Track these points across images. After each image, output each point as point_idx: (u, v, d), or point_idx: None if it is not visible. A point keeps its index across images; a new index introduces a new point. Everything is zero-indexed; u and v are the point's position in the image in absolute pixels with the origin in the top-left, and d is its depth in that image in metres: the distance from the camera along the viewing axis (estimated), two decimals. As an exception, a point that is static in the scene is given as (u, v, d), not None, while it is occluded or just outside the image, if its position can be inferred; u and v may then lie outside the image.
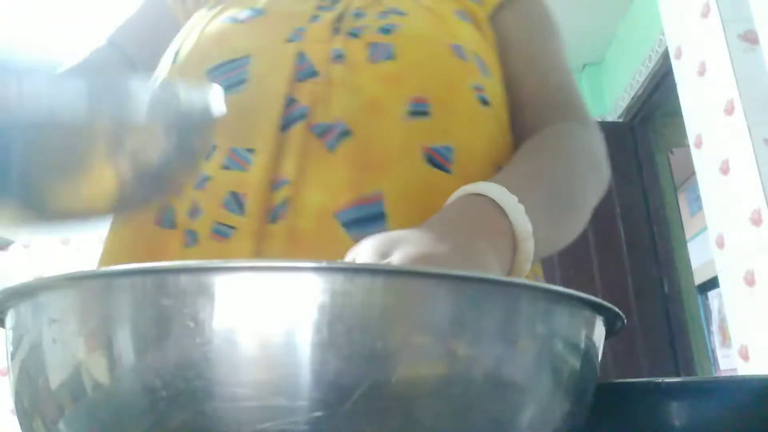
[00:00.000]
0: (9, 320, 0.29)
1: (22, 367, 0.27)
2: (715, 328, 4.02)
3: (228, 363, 0.23)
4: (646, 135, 2.90)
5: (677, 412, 0.37)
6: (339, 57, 0.54)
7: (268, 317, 0.23)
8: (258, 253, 0.49)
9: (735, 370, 1.88)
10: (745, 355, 1.75)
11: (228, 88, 0.54)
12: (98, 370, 0.24)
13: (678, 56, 2.07)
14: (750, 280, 1.70)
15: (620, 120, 2.99)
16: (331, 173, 0.50)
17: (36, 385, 0.26)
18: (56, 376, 0.25)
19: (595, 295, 0.28)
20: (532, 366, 0.26)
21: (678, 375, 2.52)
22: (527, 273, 0.43)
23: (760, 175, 1.63)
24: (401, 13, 0.59)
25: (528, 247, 0.42)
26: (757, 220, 1.66)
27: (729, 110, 1.76)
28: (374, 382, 0.23)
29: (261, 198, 0.49)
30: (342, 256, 0.44)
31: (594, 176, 0.59)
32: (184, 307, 0.23)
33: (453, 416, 0.24)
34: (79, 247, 3.20)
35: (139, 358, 0.24)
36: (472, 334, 0.25)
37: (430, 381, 0.24)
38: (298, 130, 0.51)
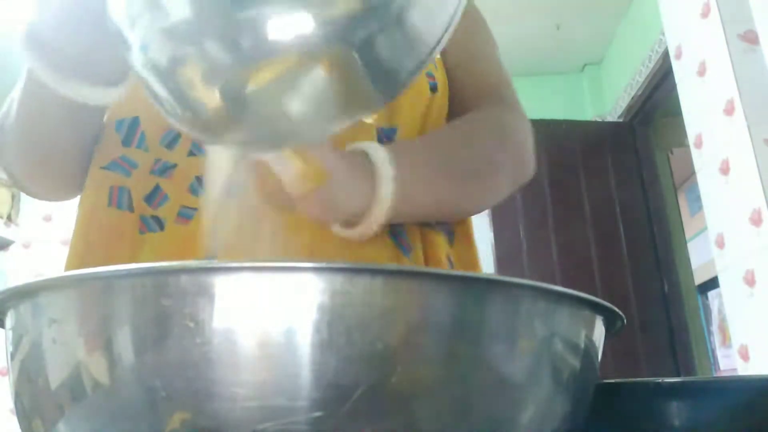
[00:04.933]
0: (9, 320, 0.29)
1: (22, 368, 0.27)
2: (715, 328, 4.02)
3: (228, 363, 0.23)
4: (646, 135, 2.90)
5: (677, 412, 0.37)
6: None
7: (267, 317, 0.23)
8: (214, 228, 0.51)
9: (735, 370, 1.88)
10: (745, 355, 1.75)
11: None
12: (98, 370, 0.24)
13: (678, 56, 2.07)
14: (750, 280, 1.70)
15: (620, 120, 2.99)
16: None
17: (36, 385, 0.26)
18: (56, 376, 0.25)
19: (595, 295, 0.28)
20: (531, 366, 0.26)
21: (678, 375, 2.52)
22: (381, 221, 0.48)
23: (760, 175, 1.63)
24: None
25: (385, 187, 0.47)
26: (757, 220, 1.66)
27: (729, 110, 1.75)
28: (374, 382, 0.23)
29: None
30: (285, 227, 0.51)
31: (505, 157, 0.61)
32: (184, 308, 0.23)
33: (453, 416, 0.24)
34: (79, 247, 3.20)
35: (138, 358, 0.24)
36: (472, 333, 0.25)
37: (429, 381, 0.24)
38: None
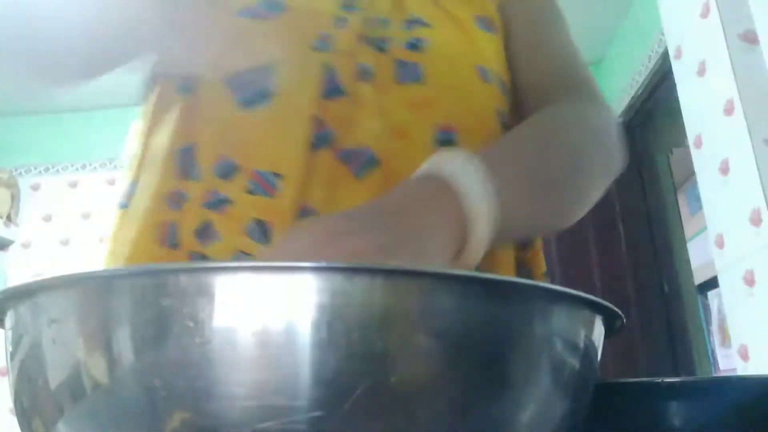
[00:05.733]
0: (8, 320, 0.29)
1: (22, 368, 0.27)
2: (714, 328, 4.01)
3: (227, 363, 0.23)
4: (646, 135, 2.90)
5: (677, 412, 0.37)
6: (366, 74, 0.52)
7: (267, 317, 0.23)
8: None
9: (735, 370, 1.88)
10: (744, 355, 1.75)
11: (250, 101, 0.50)
12: (97, 370, 0.24)
13: (678, 56, 2.06)
14: (750, 280, 1.70)
15: (620, 120, 2.99)
16: (356, 199, 0.47)
17: (35, 385, 0.26)
18: (56, 376, 0.25)
19: (595, 295, 0.28)
20: (531, 366, 0.26)
21: (678, 375, 2.52)
22: (481, 254, 0.40)
23: (759, 175, 1.63)
24: (426, 24, 0.56)
25: (480, 228, 0.39)
26: (756, 220, 1.66)
27: (729, 110, 1.75)
28: (373, 381, 0.23)
29: (288, 227, 0.46)
30: None
31: (596, 154, 0.53)
32: (184, 308, 0.23)
33: (452, 416, 0.24)
34: (79, 247, 3.20)
35: (138, 358, 0.24)
36: (471, 333, 0.25)
37: (428, 381, 0.24)
38: (325, 155, 0.48)
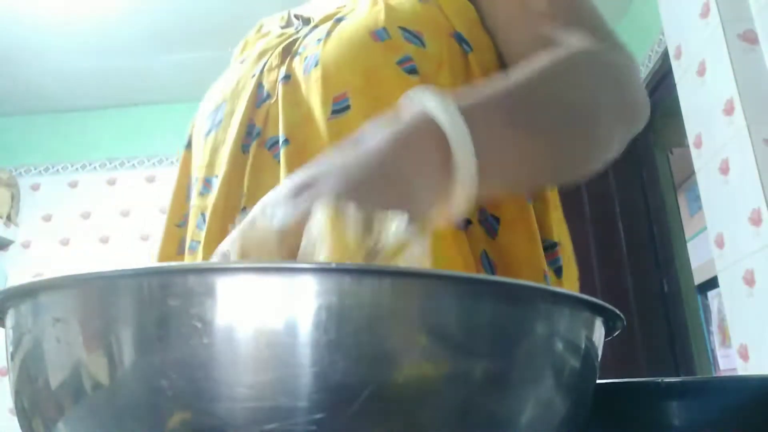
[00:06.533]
0: (9, 320, 0.29)
1: (22, 367, 0.27)
2: (714, 328, 4.01)
3: (230, 363, 0.23)
4: (646, 135, 2.90)
5: (677, 412, 0.37)
6: (286, 78, 0.60)
7: (271, 318, 0.23)
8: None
9: (735, 370, 1.88)
10: (744, 355, 1.75)
11: (209, 131, 0.63)
12: (98, 370, 0.24)
13: (677, 56, 2.07)
14: (750, 280, 1.70)
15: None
16: (277, 180, 0.55)
17: (36, 385, 0.26)
18: (57, 376, 0.25)
19: (595, 294, 0.28)
20: (533, 368, 0.26)
21: (678, 375, 2.52)
22: (471, 196, 0.38)
23: (759, 175, 1.63)
24: (341, 19, 0.60)
25: (463, 158, 0.37)
26: (756, 220, 1.66)
27: (728, 110, 1.75)
28: (377, 383, 0.23)
29: (220, 212, 0.57)
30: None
31: (609, 95, 0.50)
32: (188, 308, 0.23)
33: (454, 417, 0.24)
34: (79, 247, 3.20)
35: (139, 358, 0.24)
36: (473, 335, 0.25)
37: (431, 382, 0.24)
38: (253, 148, 0.58)
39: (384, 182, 0.36)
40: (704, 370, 2.68)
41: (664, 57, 2.37)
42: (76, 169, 3.38)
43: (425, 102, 0.39)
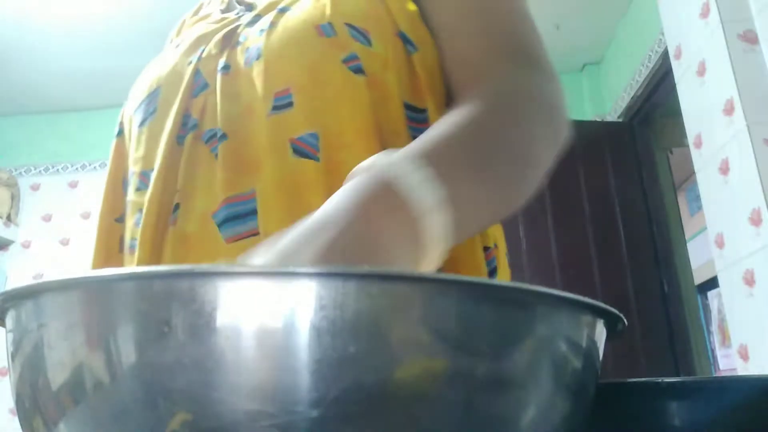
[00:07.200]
0: (9, 321, 0.29)
1: (23, 368, 0.27)
2: (714, 328, 4.02)
3: (231, 365, 0.23)
4: (646, 135, 2.90)
5: (677, 412, 0.37)
6: (225, 68, 0.57)
7: (268, 321, 0.23)
8: (152, 259, 0.53)
9: (735, 370, 1.88)
10: (744, 355, 1.75)
11: (144, 120, 0.60)
12: (99, 371, 0.24)
13: (677, 56, 2.07)
14: (749, 280, 1.70)
15: (620, 120, 3.00)
16: (213, 177, 0.53)
17: (37, 385, 0.26)
18: (58, 376, 0.25)
19: (595, 295, 0.28)
20: (533, 371, 0.26)
21: (677, 375, 2.52)
22: (440, 257, 0.38)
23: (759, 175, 1.63)
24: (285, 9, 0.58)
25: (434, 221, 0.37)
26: (756, 220, 1.66)
27: (728, 110, 1.76)
28: (374, 384, 0.23)
29: (155, 210, 0.54)
30: (219, 258, 0.48)
31: (545, 134, 0.52)
32: (187, 310, 0.23)
33: (455, 420, 0.24)
34: (79, 247, 3.20)
35: (139, 359, 0.24)
36: (473, 338, 0.25)
37: (429, 383, 0.24)
38: (189, 141, 0.55)
39: (362, 254, 0.33)
40: (704, 370, 2.68)
41: (664, 57, 2.37)
42: (76, 169, 3.38)
43: (387, 167, 0.38)
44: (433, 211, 0.37)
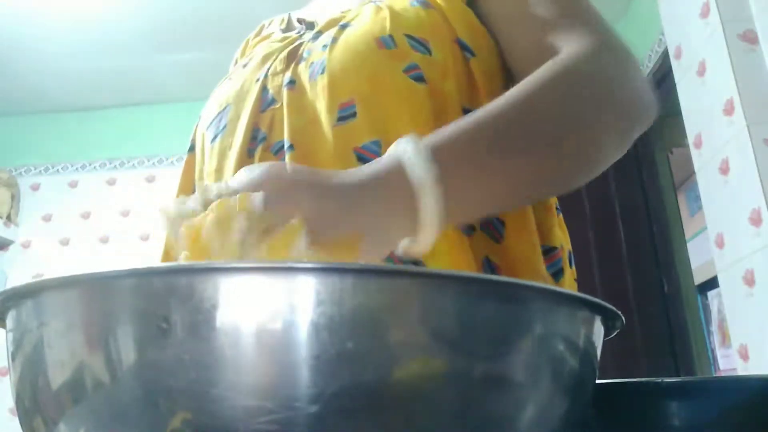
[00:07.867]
0: (10, 320, 0.29)
1: (23, 368, 0.27)
2: (714, 328, 4.01)
3: (231, 362, 0.23)
4: (646, 135, 2.88)
5: (677, 412, 0.37)
6: (291, 83, 0.60)
7: (267, 317, 0.23)
8: None
9: (735, 370, 1.88)
10: (744, 355, 1.75)
11: (215, 137, 0.63)
12: (99, 370, 0.24)
13: (677, 56, 2.07)
14: (749, 280, 1.70)
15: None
16: None
17: (37, 385, 0.26)
18: (58, 376, 0.25)
19: (595, 294, 0.28)
20: (531, 367, 0.26)
21: (677, 375, 2.52)
22: (435, 234, 0.41)
23: (759, 175, 1.63)
24: (346, 25, 0.61)
25: (429, 197, 0.41)
26: (756, 220, 1.66)
27: (728, 110, 1.75)
28: (373, 381, 0.23)
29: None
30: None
31: (598, 105, 0.50)
32: (185, 307, 0.23)
33: (452, 416, 0.24)
34: (79, 247, 3.20)
35: (139, 358, 0.24)
36: (471, 334, 0.25)
37: (428, 381, 0.24)
38: (259, 152, 0.58)
39: (349, 214, 0.40)
40: (704, 370, 2.68)
41: (664, 57, 2.37)
42: (76, 169, 3.38)
43: (401, 149, 0.43)
44: (428, 188, 0.41)
